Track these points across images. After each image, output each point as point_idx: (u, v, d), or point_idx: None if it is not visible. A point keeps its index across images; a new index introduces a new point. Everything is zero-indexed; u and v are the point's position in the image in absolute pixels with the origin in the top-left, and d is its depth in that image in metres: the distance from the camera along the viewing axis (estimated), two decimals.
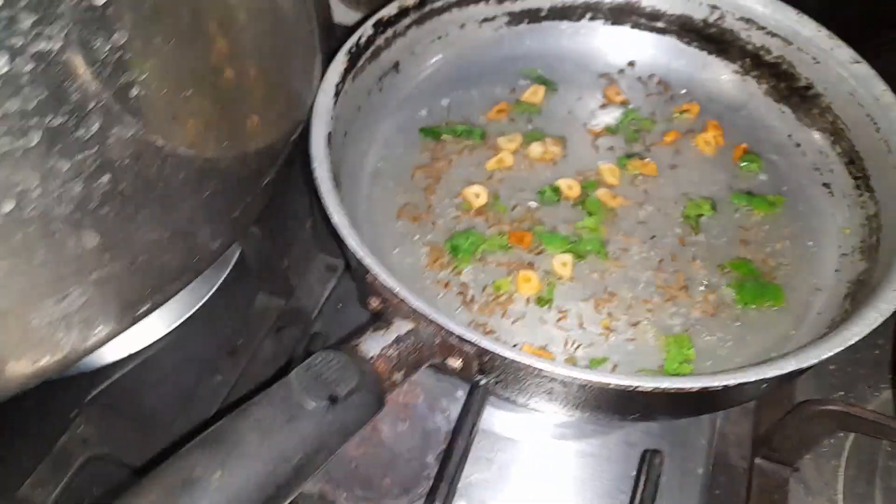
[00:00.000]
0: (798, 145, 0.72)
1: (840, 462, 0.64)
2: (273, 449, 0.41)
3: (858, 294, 0.58)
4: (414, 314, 0.49)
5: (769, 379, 0.46)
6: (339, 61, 0.64)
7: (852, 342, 0.47)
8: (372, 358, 0.47)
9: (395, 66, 0.72)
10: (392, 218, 0.66)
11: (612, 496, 0.61)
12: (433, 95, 0.76)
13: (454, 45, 0.77)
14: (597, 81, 0.79)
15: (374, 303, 0.52)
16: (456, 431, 0.56)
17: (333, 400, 0.43)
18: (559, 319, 0.60)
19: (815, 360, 0.46)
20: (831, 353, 0.47)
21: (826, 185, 0.69)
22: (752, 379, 0.45)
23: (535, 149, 0.72)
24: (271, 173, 0.53)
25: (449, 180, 0.70)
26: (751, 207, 0.68)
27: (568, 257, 0.64)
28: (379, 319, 0.50)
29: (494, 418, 0.65)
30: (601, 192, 0.69)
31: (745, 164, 0.72)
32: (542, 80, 0.78)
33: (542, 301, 0.61)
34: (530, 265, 0.64)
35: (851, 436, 0.65)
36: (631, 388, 0.45)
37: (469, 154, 0.72)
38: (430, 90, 0.76)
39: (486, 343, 0.47)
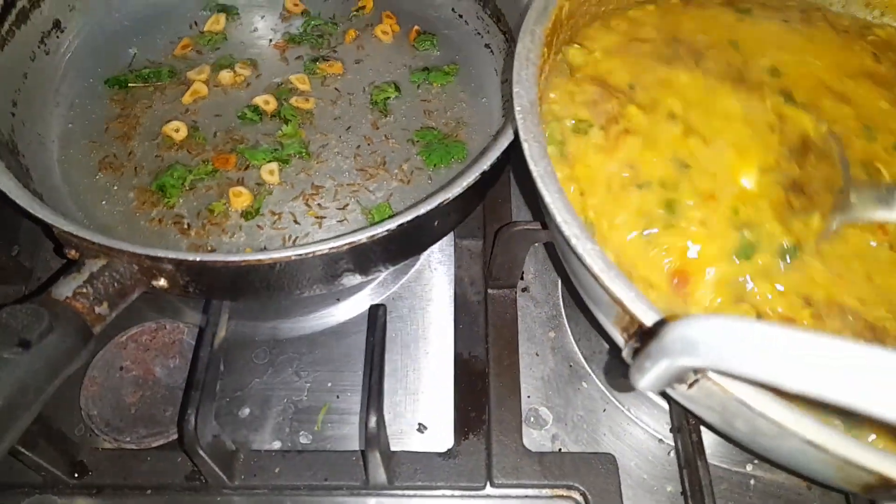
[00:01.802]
0: (461, 16, 0.80)
1: (558, 275, 0.76)
2: None
3: None
4: (101, 249, 0.51)
5: (432, 211, 0.54)
6: None
7: (486, 167, 0.56)
8: (66, 299, 0.49)
9: (57, 24, 0.71)
10: (92, 174, 0.67)
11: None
12: (114, 48, 0.76)
13: None
14: None
15: (71, 252, 0.54)
16: (199, 343, 0.61)
17: (25, 344, 0.45)
18: (275, 222, 0.66)
19: (460, 189, 0.55)
20: (472, 180, 0.55)
21: (487, 45, 0.78)
22: (410, 218, 0.53)
23: (225, 75, 0.74)
24: None
25: (147, 124, 0.71)
26: (430, 81, 0.76)
27: (273, 165, 0.68)
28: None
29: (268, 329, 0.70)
30: (295, 100, 0.73)
31: (420, 44, 0.79)
32: (221, 8, 0.80)
33: (251, 211, 0.65)
34: (240, 182, 0.68)
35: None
36: (311, 254, 0.52)
37: (162, 95, 0.73)
38: (108, 44, 0.76)
39: (171, 254, 0.51)
